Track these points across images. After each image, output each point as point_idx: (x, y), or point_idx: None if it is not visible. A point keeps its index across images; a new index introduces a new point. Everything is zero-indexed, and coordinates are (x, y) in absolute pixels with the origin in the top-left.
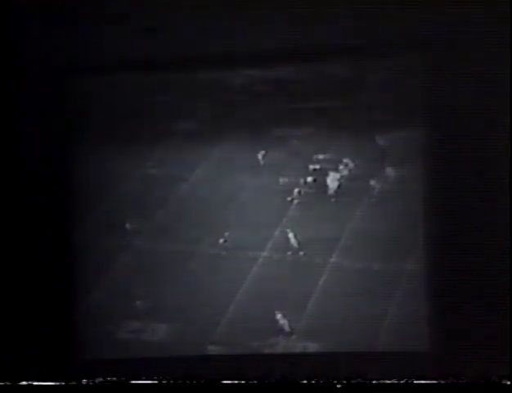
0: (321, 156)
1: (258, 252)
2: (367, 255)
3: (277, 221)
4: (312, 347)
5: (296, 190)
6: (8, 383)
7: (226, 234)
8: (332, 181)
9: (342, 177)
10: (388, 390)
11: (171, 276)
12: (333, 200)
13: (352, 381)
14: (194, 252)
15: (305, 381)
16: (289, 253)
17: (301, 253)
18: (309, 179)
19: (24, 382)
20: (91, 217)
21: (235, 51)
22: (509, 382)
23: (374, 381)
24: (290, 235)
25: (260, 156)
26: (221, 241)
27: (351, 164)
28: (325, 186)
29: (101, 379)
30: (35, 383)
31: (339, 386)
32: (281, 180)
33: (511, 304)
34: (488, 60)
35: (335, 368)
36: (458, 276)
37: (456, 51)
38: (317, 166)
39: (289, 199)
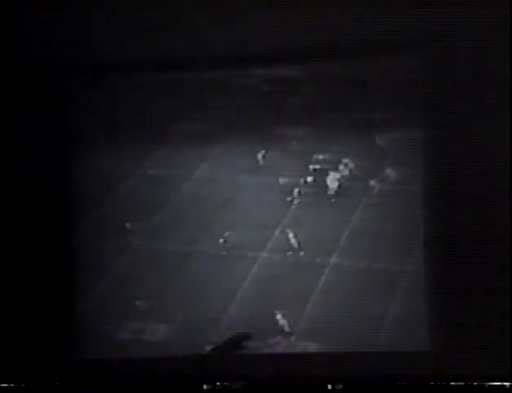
0: (320, 156)
1: (258, 252)
2: (367, 255)
3: (277, 221)
4: (312, 347)
5: (296, 190)
6: (8, 383)
7: (226, 234)
8: (332, 181)
9: (342, 177)
10: (388, 390)
11: (171, 276)
12: (333, 200)
13: (352, 382)
14: (194, 252)
15: (305, 381)
16: (289, 253)
17: (301, 253)
18: (309, 179)
19: (23, 382)
20: (91, 217)
21: (236, 51)
22: (509, 383)
23: (374, 382)
24: (290, 235)
25: (260, 156)
26: (221, 241)
27: (351, 164)
28: (325, 186)
29: (101, 379)
30: (35, 383)
31: (339, 386)
32: (281, 180)
33: (511, 304)
34: (488, 59)
35: (335, 368)
36: (458, 276)
37: (456, 51)
38: (317, 166)
39: (289, 199)
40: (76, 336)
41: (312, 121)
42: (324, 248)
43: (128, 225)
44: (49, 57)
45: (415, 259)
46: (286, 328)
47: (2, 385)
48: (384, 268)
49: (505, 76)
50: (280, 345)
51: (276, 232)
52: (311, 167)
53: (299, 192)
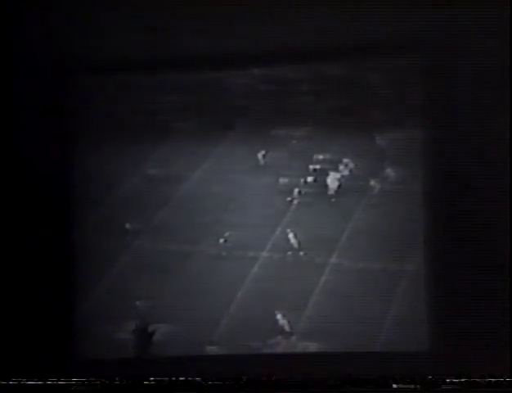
0: (320, 156)
1: (258, 252)
2: (367, 255)
3: (277, 221)
4: (312, 347)
5: (296, 190)
6: (9, 382)
7: (226, 234)
8: (332, 181)
9: (342, 177)
10: (388, 390)
11: (171, 276)
12: (333, 200)
13: (352, 381)
14: (194, 252)
15: (304, 381)
16: (289, 253)
17: (301, 253)
18: (309, 179)
19: (24, 382)
20: (91, 217)
21: (235, 51)
22: (509, 384)
23: (374, 381)
24: (290, 235)
25: (260, 156)
26: (221, 241)
27: (351, 164)
28: (325, 186)
29: (101, 379)
30: (35, 383)
31: (338, 385)
32: (281, 180)
33: (511, 305)
34: (488, 60)
35: (335, 368)
36: (458, 276)
37: (456, 51)
38: (317, 166)
39: (289, 199)
40: (76, 336)
41: (312, 121)
42: (324, 248)
43: (127, 225)
44: (49, 57)
45: (415, 259)
46: (286, 328)
47: (2, 383)
48: (384, 268)
49: (505, 76)
50: (280, 345)
51: (276, 232)
52: (311, 167)
53: (299, 192)
